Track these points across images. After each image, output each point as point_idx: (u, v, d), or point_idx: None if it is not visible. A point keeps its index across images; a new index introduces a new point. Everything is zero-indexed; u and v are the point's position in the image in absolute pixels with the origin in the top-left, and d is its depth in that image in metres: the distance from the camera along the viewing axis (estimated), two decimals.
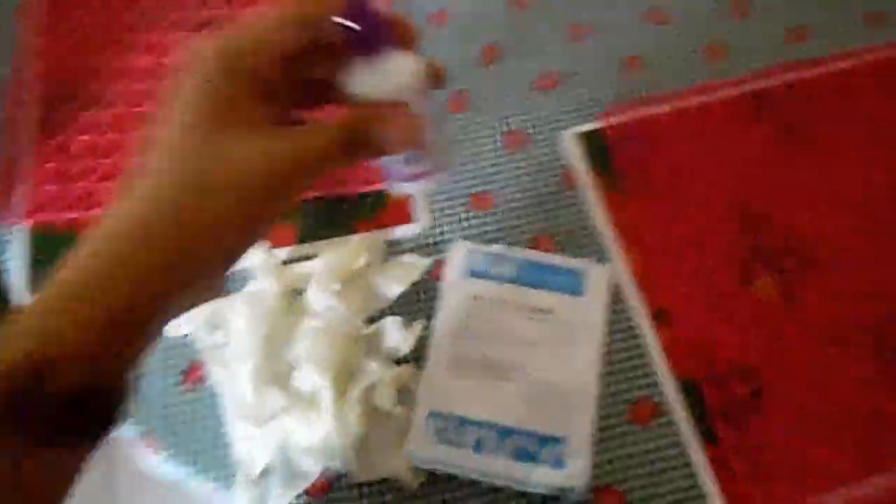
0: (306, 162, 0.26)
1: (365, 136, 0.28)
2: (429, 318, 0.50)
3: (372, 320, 0.50)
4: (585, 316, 0.49)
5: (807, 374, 0.48)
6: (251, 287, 0.50)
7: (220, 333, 0.49)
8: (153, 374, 0.49)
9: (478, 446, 0.45)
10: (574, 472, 0.44)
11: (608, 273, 0.51)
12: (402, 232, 0.54)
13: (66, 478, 0.25)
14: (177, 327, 0.49)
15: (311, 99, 0.30)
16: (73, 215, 0.55)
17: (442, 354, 0.48)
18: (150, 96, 0.58)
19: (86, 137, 0.57)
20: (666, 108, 0.58)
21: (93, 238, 0.26)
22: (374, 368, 0.46)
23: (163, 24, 0.62)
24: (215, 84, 0.25)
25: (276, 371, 0.47)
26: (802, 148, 0.56)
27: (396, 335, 0.49)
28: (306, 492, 0.45)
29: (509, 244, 0.52)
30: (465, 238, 0.53)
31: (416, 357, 0.48)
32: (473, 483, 0.45)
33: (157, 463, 0.48)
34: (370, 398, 0.46)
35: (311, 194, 0.54)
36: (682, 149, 0.56)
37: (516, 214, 0.54)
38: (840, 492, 0.45)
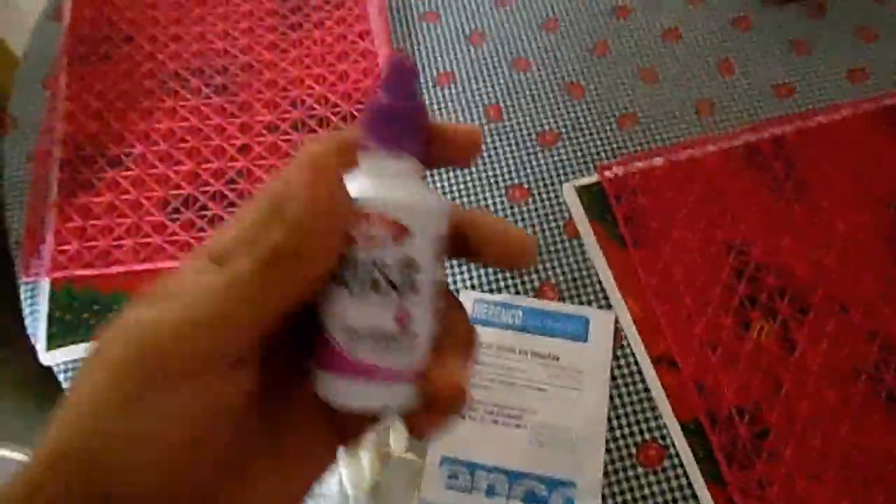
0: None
1: None
2: None
3: None
4: (591, 361, 0.51)
5: (808, 416, 0.49)
6: None
7: None
8: None
9: (489, 491, 0.46)
10: None
11: (612, 319, 0.53)
12: None
13: None
14: None
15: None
16: (93, 272, 0.57)
17: None
18: (167, 158, 0.61)
19: (106, 198, 0.60)
20: (660, 161, 0.61)
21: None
22: None
23: (181, 91, 0.65)
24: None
25: None
26: (792, 197, 0.59)
27: None
28: None
29: (515, 293, 0.54)
30: (472, 287, 0.55)
31: None
32: None
33: None
34: (383, 444, 0.47)
35: None
36: (678, 199, 0.59)
37: None
38: None
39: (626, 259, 0.56)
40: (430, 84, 0.66)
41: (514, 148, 0.62)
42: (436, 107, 0.65)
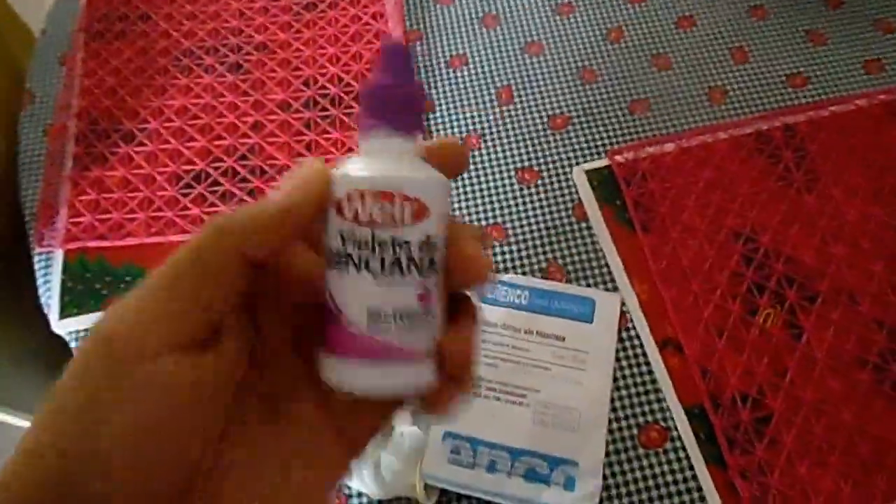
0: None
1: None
2: None
3: None
4: (596, 342, 0.51)
5: (811, 402, 0.49)
6: None
7: None
8: None
9: (491, 467, 0.46)
10: (584, 493, 0.45)
11: (618, 301, 0.53)
12: None
13: None
14: None
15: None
16: (106, 244, 0.57)
17: None
18: (180, 134, 0.62)
19: (119, 172, 0.60)
20: (671, 146, 0.60)
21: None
22: None
23: (195, 69, 0.66)
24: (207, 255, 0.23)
25: None
26: (802, 186, 0.59)
27: None
28: None
29: (522, 273, 0.55)
30: None
31: None
32: (486, 502, 0.46)
33: None
34: None
35: None
36: (687, 185, 0.59)
37: (529, 245, 0.56)
38: None
39: (635, 243, 0.56)
40: (444, 66, 0.66)
41: (525, 131, 0.62)
42: (448, 89, 0.65)
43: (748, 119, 0.62)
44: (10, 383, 0.76)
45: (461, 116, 0.63)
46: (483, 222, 0.58)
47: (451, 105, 0.64)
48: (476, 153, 0.61)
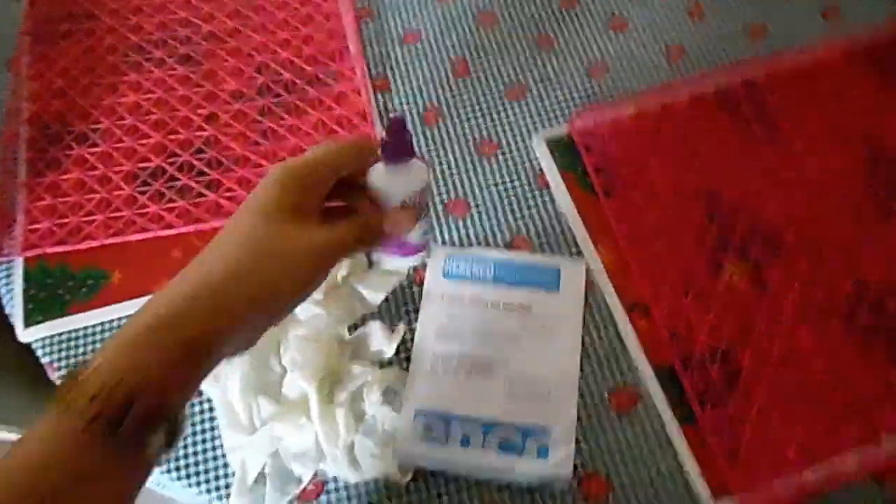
0: (335, 249, 0.36)
1: (372, 232, 0.39)
2: (411, 321, 0.51)
3: (356, 327, 0.51)
4: (563, 310, 0.51)
5: (780, 355, 0.49)
6: None
7: None
8: None
9: (464, 441, 0.46)
10: (557, 461, 0.45)
11: (583, 268, 0.52)
12: None
13: (132, 489, 0.32)
14: None
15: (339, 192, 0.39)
16: (65, 249, 0.56)
17: (426, 355, 0.49)
18: (134, 132, 0.61)
19: (74, 175, 0.59)
20: (631, 108, 0.60)
21: (179, 280, 0.34)
22: (359, 372, 0.48)
23: (145, 63, 0.64)
24: (288, 190, 0.35)
25: (265, 381, 0.48)
26: (764, 139, 0.58)
27: (380, 339, 0.50)
28: (299, 496, 0.46)
29: (486, 246, 0.54)
30: (444, 243, 0.55)
31: (401, 359, 0.50)
32: (461, 477, 0.46)
33: (151, 477, 0.49)
34: (357, 401, 0.47)
35: None
36: (648, 146, 0.58)
37: (492, 217, 0.56)
38: (817, 467, 0.46)
39: (598, 208, 0.55)
40: (397, 43, 0.65)
41: (482, 102, 0.62)
42: (402, 65, 0.64)
43: (707, 73, 0.62)
44: None
45: (417, 92, 0.62)
46: (445, 197, 0.57)
47: (406, 81, 0.63)
48: (434, 128, 0.60)
